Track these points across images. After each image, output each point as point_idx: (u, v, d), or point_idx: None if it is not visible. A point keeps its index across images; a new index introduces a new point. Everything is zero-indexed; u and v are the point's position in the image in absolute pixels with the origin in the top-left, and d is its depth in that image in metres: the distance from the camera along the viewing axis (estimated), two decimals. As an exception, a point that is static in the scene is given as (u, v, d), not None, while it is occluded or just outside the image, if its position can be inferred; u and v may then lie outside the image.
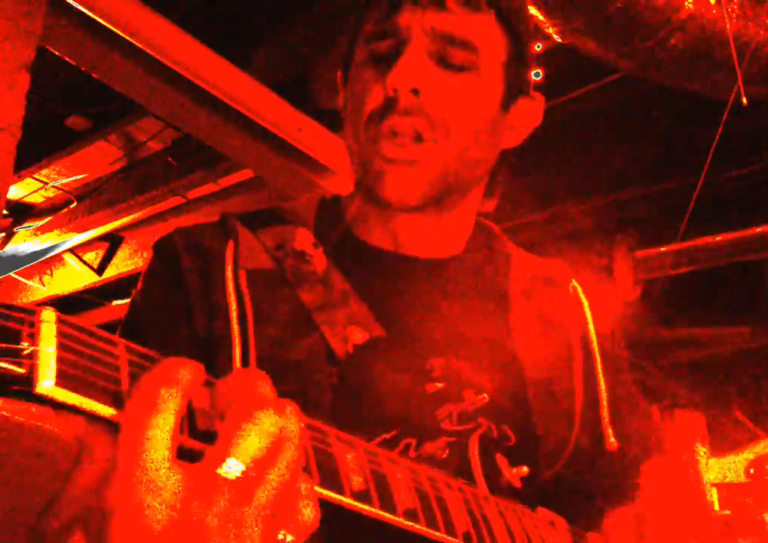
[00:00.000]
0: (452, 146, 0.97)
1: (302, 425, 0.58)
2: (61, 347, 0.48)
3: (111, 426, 0.50)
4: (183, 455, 0.51)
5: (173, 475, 0.49)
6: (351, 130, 1.01)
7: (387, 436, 0.86)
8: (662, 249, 4.53)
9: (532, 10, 2.77)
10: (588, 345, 1.07)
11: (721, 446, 7.34)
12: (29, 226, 5.30)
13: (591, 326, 1.09)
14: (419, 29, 0.96)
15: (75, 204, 5.08)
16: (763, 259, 4.42)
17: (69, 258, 5.62)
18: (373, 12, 1.00)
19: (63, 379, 0.47)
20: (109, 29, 2.99)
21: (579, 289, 1.14)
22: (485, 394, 0.95)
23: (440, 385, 0.93)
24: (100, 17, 2.93)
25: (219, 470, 0.50)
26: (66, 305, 5.87)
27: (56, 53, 3.15)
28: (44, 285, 5.93)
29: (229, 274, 0.93)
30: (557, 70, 3.71)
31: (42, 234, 5.20)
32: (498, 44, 1.01)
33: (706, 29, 2.66)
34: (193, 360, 0.53)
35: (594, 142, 4.15)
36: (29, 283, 5.90)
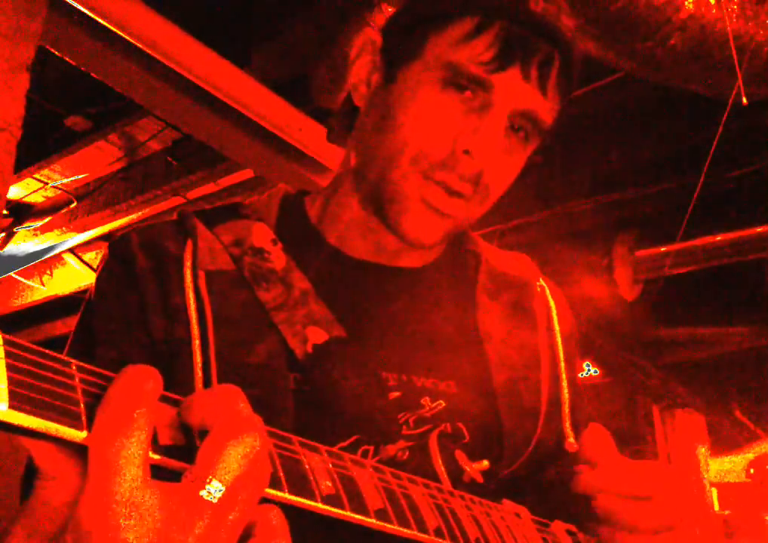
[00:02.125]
0: (484, 207, 0.97)
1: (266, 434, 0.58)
2: (10, 368, 0.46)
3: (72, 446, 0.49)
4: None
5: (150, 494, 0.48)
6: (383, 144, 0.94)
7: (344, 444, 0.85)
8: (662, 249, 4.53)
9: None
10: (553, 346, 1.07)
11: (721, 446, 7.35)
12: (29, 226, 5.30)
13: (556, 327, 1.09)
14: (512, 98, 0.90)
15: (75, 203, 5.08)
16: (763, 259, 4.42)
17: (69, 258, 5.63)
18: (477, 45, 0.89)
19: (17, 402, 0.45)
20: (109, 29, 2.99)
21: (546, 288, 1.13)
22: (441, 401, 0.93)
23: (397, 393, 0.92)
24: (100, 17, 2.93)
25: (201, 492, 0.50)
26: (66, 305, 5.88)
27: (56, 53, 3.15)
28: (44, 285, 5.93)
29: (188, 276, 0.90)
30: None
31: (42, 234, 5.20)
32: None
33: (706, 29, 2.66)
34: (151, 367, 0.52)
35: (594, 142, 4.16)
36: (29, 283, 5.90)
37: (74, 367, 0.50)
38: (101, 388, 0.51)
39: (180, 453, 0.52)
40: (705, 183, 3.14)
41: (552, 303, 1.11)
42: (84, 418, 0.48)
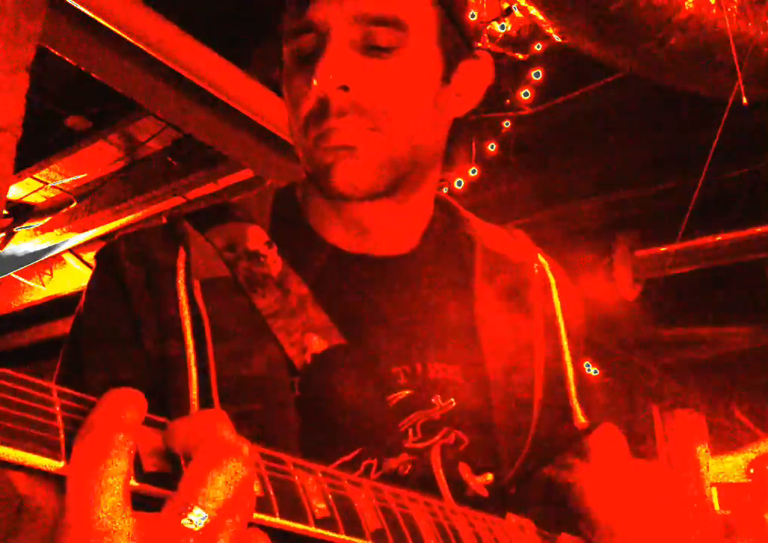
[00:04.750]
0: (396, 134, 0.90)
1: (258, 457, 0.56)
2: None
3: (52, 477, 0.47)
4: (133, 500, 0.49)
5: (130, 525, 0.47)
6: (295, 132, 0.96)
7: (347, 458, 0.82)
8: (662, 249, 4.53)
9: (532, 10, 2.77)
10: (553, 324, 1.03)
11: (721, 446, 7.35)
12: (29, 226, 5.30)
13: (557, 304, 1.04)
14: (338, 19, 0.88)
15: (75, 203, 5.08)
16: (763, 259, 4.42)
17: (69, 258, 5.63)
18: (289, 5, 0.92)
19: None
20: (109, 29, 2.99)
21: (546, 265, 1.09)
22: (452, 399, 0.90)
23: (407, 392, 0.88)
24: (100, 17, 2.93)
25: (183, 521, 0.48)
26: (66, 305, 5.88)
27: (56, 53, 3.15)
28: (44, 285, 5.94)
29: (181, 286, 0.86)
30: (557, 70, 3.72)
31: (42, 234, 5.20)
32: (427, 14, 0.91)
33: (706, 29, 2.66)
34: (134, 390, 0.51)
35: (595, 142, 4.16)
36: (29, 283, 5.91)
37: (55, 393, 0.49)
38: (83, 414, 0.49)
39: (166, 480, 0.51)
40: (704, 183, 3.14)
41: (552, 280, 1.07)
42: (63, 447, 0.47)
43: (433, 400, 0.90)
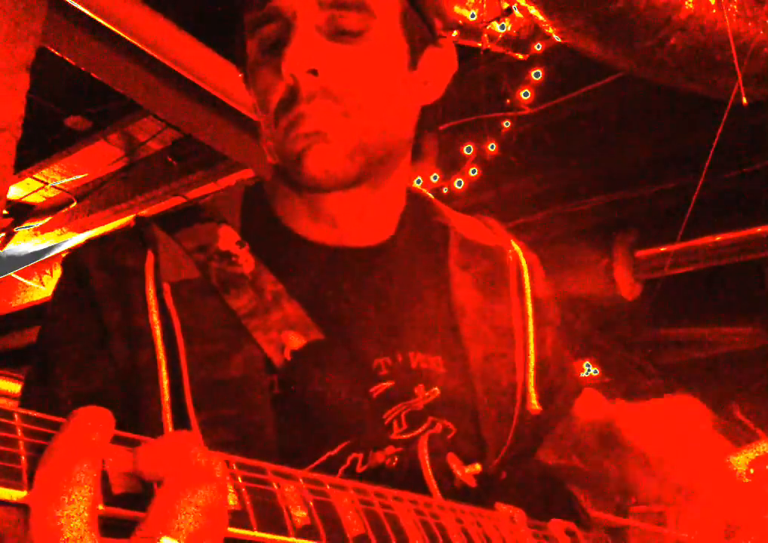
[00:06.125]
0: (366, 118, 0.89)
1: (235, 468, 0.55)
2: None
3: (16, 507, 0.45)
4: (102, 524, 0.47)
5: None
6: (264, 125, 0.93)
7: (332, 453, 0.81)
8: (662, 249, 4.53)
9: (532, 10, 2.77)
10: (523, 309, 1.04)
11: (721, 446, 7.33)
12: (29, 226, 5.30)
13: (527, 289, 1.05)
14: (304, 3, 0.87)
15: (75, 203, 5.08)
16: (763, 259, 4.42)
17: (69, 258, 5.62)
18: None
19: None
20: (109, 29, 2.99)
21: (519, 252, 1.10)
22: (436, 388, 0.90)
23: (387, 384, 0.88)
24: (100, 17, 2.93)
25: None
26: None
27: (56, 53, 3.15)
28: (44, 285, 5.94)
29: (150, 291, 0.84)
30: (557, 70, 3.72)
31: (42, 234, 5.20)
32: None
33: (706, 29, 2.66)
34: (101, 409, 0.49)
35: (594, 142, 4.16)
36: (29, 283, 5.91)
37: (17, 417, 0.46)
38: (48, 437, 0.46)
39: (137, 502, 0.49)
40: (704, 183, 3.14)
41: (525, 266, 1.08)
42: (25, 475, 0.45)
43: (415, 390, 0.90)
